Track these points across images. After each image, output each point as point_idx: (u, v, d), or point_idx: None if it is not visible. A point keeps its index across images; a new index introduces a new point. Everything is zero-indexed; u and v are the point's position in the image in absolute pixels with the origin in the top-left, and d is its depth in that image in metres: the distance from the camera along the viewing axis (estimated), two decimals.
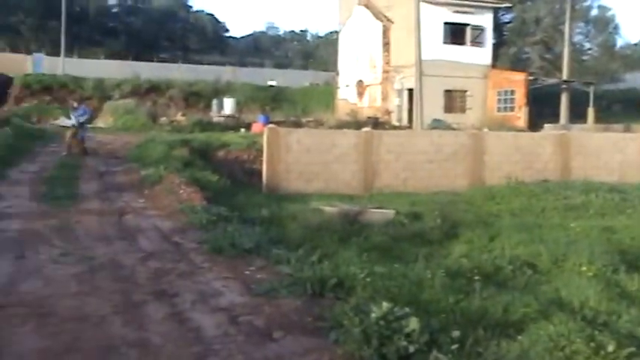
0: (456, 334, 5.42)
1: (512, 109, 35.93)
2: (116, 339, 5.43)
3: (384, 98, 38.46)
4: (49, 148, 22.74)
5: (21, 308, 6.13)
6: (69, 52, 54.14)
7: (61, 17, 51.24)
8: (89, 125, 22.00)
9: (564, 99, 38.50)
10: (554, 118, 36.71)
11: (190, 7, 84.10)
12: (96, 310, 6.15)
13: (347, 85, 42.36)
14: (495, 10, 39.65)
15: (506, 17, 48.15)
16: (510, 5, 42.50)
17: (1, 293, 6.62)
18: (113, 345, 5.29)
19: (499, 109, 36.49)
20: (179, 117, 34.35)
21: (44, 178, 15.79)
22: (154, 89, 47.58)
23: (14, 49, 58.16)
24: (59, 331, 5.55)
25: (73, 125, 21.15)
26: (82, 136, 21.12)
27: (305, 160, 20.43)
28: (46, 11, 63.72)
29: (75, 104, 22.26)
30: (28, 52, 56.16)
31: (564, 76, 38.75)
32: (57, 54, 52.27)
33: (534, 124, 33.78)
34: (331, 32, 78.21)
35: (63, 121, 34.92)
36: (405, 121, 35.64)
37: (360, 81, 40.74)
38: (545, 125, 32.77)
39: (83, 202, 12.67)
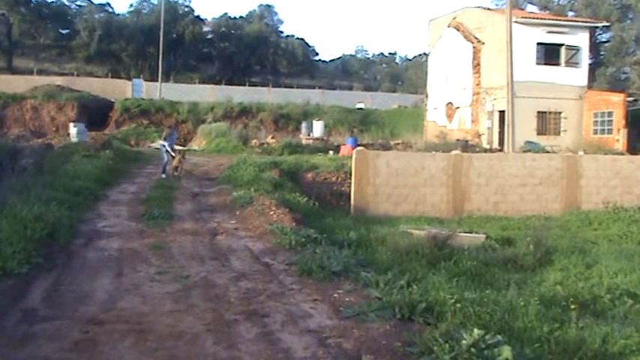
0: None
1: (609, 131, 34.49)
2: (209, 357, 5.58)
3: (474, 120, 37.84)
4: (146, 170, 23.68)
5: (120, 324, 6.41)
6: (166, 78, 56.48)
7: (159, 44, 53.57)
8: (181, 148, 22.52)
9: None
10: None
11: (281, 32, 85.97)
12: (190, 327, 6.34)
13: (436, 108, 41.96)
14: (592, 30, 38.35)
15: (604, 36, 46.47)
16: (608, 24, 41.01)
17: (102, 309, 6.94)
18: None
19: (596, 132, 35.12)
20: (269, 139, 34.95)
21: (142, 198, 16.42)
22: (245, 112, 48.95)
23: (115, 75, 61.26)
24: (156, 347, 5.76)
25: (178, 152, 21.79)
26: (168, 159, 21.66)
27: (393, 183, 20.34)
28: (145, 39, 66.79)
29: (163, 136, 22.91)
30: (129, 78, 59.09)
31: None
32: (155, 79, 54.71)
33: (634, 147, 32.29)
34: (420, 55, 78.29)
35: (159, 144, 36.35)
36: (495, 144, 34.89)
37: (450, 103, 40.28)
38: None
39: (178, 223, 13.10)
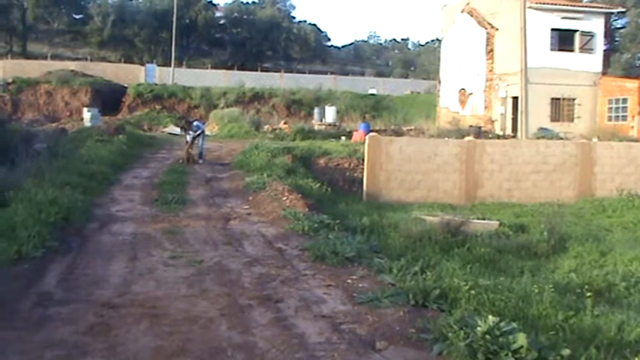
0: (566, 352, 5.21)
1: (624, 118, 34.17)
2: (223, 341, 5.59)
3: (487, 107, 37.61)
4: (159, 155, 23.74)
5: (134, 308, 6.43)
6: (178, 63, 56.42)
7: (172, 29, 53.48)
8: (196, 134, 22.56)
9: None
10: None
11: (294, 17, 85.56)
12: (204, 312, 6.36)
13: (449, 94, 41.74)
14: (607, 16, 37.90)
15: (619, 22, 45.97)
16: (623, 10, 40.55)
17: (117, 293, 6.97)
18: (221, 347, 5.46)
19: (610, 118, 34.81)
20: (281, 125, 34.89)
21: (155, 183, 16.48)
22: (257, 98, 48.91)
23: (128, 60, 61.29)
24: (171, 331, 5.78)
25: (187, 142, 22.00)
26: (201, 147, 21.89)
27: (406, 169, 20.28)
28: (159, 24, 66.67)
29: (185, 123, 23.24)
30: (142, 63, 59.07)
31: None
32: (168, 64, 54.66)
33: None
34: (433, 40, 77.81)
35: (172, 129, 36.45)
36: (509, 130, 34.66)
37: (463, 89, 40.03)
38: None
39: (191, 207, 13.14)
